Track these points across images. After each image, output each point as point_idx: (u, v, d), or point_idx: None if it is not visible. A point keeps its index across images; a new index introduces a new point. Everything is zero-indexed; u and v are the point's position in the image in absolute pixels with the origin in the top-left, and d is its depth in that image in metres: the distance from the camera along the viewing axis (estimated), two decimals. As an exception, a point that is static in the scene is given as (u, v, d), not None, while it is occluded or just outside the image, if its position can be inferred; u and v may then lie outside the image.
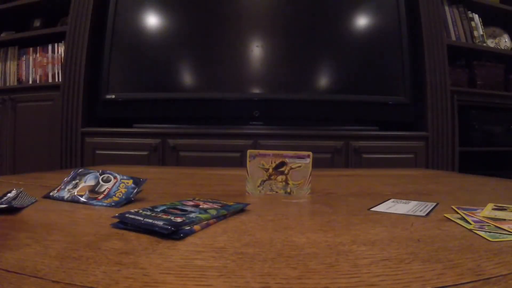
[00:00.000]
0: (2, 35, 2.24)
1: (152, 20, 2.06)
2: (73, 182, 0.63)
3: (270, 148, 0.76)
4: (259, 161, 0.70)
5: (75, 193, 0.60)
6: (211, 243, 0.38)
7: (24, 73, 2.17)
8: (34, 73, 2.15)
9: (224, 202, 0.55)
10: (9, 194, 0.54)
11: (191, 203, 0.53)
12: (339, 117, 2.01)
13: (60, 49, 2.10)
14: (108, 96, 1.96)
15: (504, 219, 0.46)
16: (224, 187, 0.92)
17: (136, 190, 0.61)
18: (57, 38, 2.08)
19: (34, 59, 2.15)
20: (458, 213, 0.52)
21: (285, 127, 1.96)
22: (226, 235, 0.41)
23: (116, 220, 0.43)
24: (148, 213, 0.44)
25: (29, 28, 2.20)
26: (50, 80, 2.11)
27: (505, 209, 0.52)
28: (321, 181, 0.94)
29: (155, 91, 1.99)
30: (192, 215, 0.45)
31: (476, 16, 2.19)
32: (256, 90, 2.04)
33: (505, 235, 0.40)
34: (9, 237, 0.38)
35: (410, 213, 0.53)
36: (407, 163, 1.91)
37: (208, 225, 0.44)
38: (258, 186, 0.70)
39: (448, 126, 1.98)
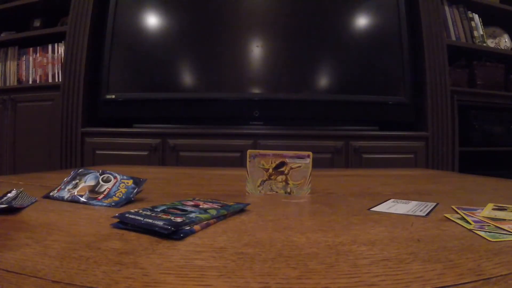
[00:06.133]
0: (2, 35, 2.24)
1: (152, 20, 2.06)
2: (73, 182, 0.63)
3: (270, 148, 0.76)
4: (259, 161, 0.70)
5: (75, 193, 0.60)
6: (211, 243, 0.38)
7: (24, 73, 2.17)
8: (34, 73, 2.15)
9: (224, 202, 0.55)
10: (9, 194, 0.54)
11: (191, 203, 0.53)
12: (339, 117, 2.01)
13: (60, 49, 2.10)
14: (108, 96, 1.96)
15: (504, 219, 0.46)
16: (224, 187, 0.92)
17: (136, 190, 0.61)
18: (57, 38, 2.08)
19: (34, 59, 2.15)
20: (458, 213, 0.52)
21: (285, 127, 1.96)
22: (226, 235, 0.41)
23: (116, 220, 0.43)
24: (148, 213, 0.44)
25: (29, 28, 2.20)
26: (50, 80, 2.11)
27: (505, 209, 0.52)
28: (321, 181, 0.94)
29: (155, 91, 1.99)
30: (192, 215, 0.45)
31: (476, 16, 2.19)
32: (256, 90, 2.04)
33: (505, 235, 0.40)
34: (9, 237, 0.38)
35: (410, 213, 0.53)
36: (407, 163, 1.91)
37: (208, 225, 0.44)
38: (258, 186, 0.70)
39: (448, 126, 1.98)
